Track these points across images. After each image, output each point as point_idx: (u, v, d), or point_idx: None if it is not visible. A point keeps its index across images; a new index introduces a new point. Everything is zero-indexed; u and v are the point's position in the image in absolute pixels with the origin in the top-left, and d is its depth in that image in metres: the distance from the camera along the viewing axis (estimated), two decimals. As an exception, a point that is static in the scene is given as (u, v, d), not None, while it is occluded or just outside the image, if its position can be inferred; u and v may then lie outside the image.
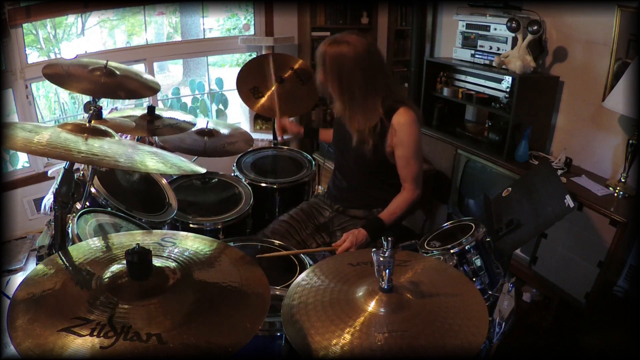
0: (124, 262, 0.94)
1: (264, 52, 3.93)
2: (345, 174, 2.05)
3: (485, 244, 1.51)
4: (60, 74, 1.90)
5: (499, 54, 2.87)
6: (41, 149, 1.04)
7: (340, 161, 2.08)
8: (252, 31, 4.20)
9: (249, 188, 2.25)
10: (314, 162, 2.52)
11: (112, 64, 2.03)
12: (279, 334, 1.23)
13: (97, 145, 1.11)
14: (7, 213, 3.16)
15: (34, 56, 4.09)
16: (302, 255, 1.71)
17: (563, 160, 2.65)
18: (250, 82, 2.51)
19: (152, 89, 2.12)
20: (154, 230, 1.36)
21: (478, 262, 1.47)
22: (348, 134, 1.94)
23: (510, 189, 2.02)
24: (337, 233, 1.97)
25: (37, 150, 1.05)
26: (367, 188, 1.98)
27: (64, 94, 4.72)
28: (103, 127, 1.20)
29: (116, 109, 3.22)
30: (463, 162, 3.05)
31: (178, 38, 6.07)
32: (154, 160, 1.16)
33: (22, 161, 3.58)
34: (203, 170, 1.25)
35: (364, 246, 1.79)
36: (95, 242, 1.12)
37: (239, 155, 2.49)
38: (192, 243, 1.13)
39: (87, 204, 1.64)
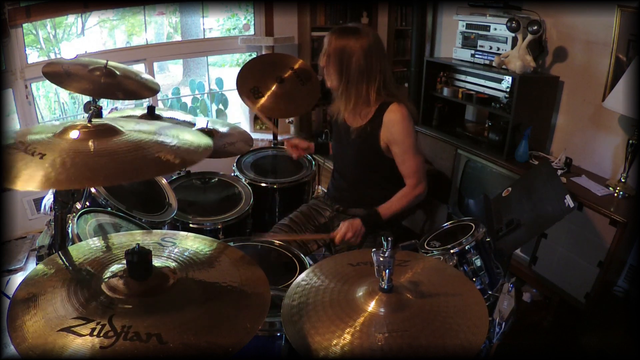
0: (124, 262, 0.94)
1: (264, 52, 3.93)
2: (345, 173, 2.05)
3: (485, 244, 1.51)
4: (60, 73, 1.91)
5: (499, 54, 2.87)
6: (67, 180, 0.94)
7: (338, 161, 2.09)
8: (252, 31, 4.20)
9: (249, 188, 2.25)
10: (314, 162, 2.52)
11: (112, 63, 2.03)
12: (279, 334, 1.23)
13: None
14: (7, 213, 3.16)
15: (34, 56, 4.09)
16: (302, 255, 1.71)
17: (563, 160, 2.65)
18: (250, 82, 2.51)
19: (151, 90, 2.12)
20: (154, 230, 1.36)
21: (478, 262, 1.47)
22: (346, 133, 1.95)
23: (510, 189, 2.02)
24: (338, 233, 1.97)
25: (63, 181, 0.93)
26: (367, 187, 1.98)
27: (64, 94, 4.72)
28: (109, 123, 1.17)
29: (116, 109, 3.21)
30: (463, 162, 3.05)
31: (178, 38, 6.07)
32: (182, 132, 1.17)
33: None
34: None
35: (362, 236, 1.83)
36: (95, 242, 1.12)
37: (239, 155, 2.49)
38: (192, 243, 1.13)
39: (87, 204, 1.64)
